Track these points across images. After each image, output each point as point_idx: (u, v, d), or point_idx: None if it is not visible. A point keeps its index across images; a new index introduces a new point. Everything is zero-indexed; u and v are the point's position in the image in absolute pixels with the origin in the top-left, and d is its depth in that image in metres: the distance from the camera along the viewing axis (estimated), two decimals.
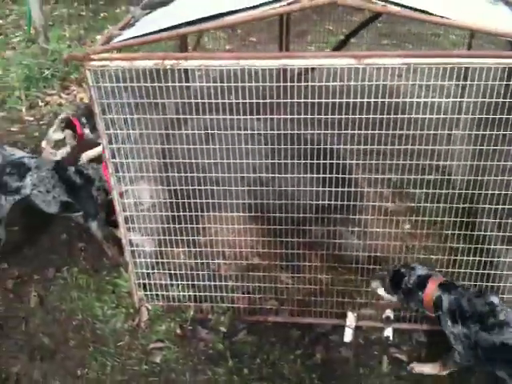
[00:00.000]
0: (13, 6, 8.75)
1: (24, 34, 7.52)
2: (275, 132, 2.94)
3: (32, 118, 5.54)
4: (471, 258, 2.90)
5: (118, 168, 2.76)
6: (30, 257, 3.61)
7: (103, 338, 3.03)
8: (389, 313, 3.00)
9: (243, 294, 3.18)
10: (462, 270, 2.92)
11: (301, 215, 2.98)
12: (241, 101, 2.44)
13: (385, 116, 2.54)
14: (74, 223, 3.77)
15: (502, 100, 2.39)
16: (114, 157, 2.71)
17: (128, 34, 2.60)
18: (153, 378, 2.81)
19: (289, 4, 2.25)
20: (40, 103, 5.89)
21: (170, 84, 2.43)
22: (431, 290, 2.61)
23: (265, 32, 6.74)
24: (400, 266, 2.78)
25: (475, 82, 2.34)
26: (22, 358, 2.95)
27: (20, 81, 6.09)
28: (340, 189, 2.75)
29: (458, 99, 2.53)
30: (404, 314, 3.03)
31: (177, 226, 3.01)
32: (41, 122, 5.44)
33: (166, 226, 3.08)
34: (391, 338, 2.97)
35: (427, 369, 2.81)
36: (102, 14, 8.43)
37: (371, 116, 2.51)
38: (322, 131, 2.56)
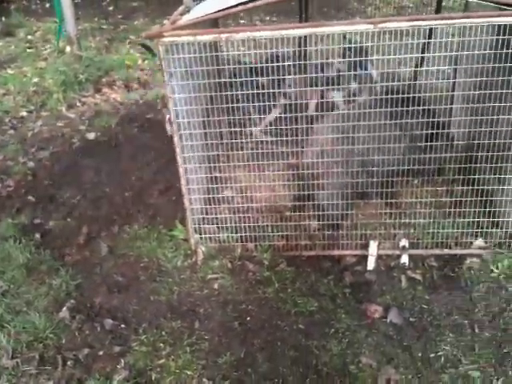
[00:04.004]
0: (38, 24, 9.50)
1: (53, 46, 8.23)
2: None
3: (74, 115, 6.21)
4: None
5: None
6: (95, 218, 4.23)
7: (168, 273, 3.64)
8: (404, 242, 3.61)
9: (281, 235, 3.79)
10: None
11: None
12: None
13: None
14: (128, 193, 4.43)
15: None
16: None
17: (186, 17, 3.28)
18: (214, 298, 3.42)
19: None
20: (78, 103, 6.57)
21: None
22: None
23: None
24: None
25: None
26: (102, 292, 3.54)
27: (57, 85, 6.78)
28: None
29: None
30: (417, 241, 3.65)
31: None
32: (83, 118, 6.10)
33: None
34: (407, 264, 3.58)
35: None
36: (121, 27, 9.18)
37: None
38: None
